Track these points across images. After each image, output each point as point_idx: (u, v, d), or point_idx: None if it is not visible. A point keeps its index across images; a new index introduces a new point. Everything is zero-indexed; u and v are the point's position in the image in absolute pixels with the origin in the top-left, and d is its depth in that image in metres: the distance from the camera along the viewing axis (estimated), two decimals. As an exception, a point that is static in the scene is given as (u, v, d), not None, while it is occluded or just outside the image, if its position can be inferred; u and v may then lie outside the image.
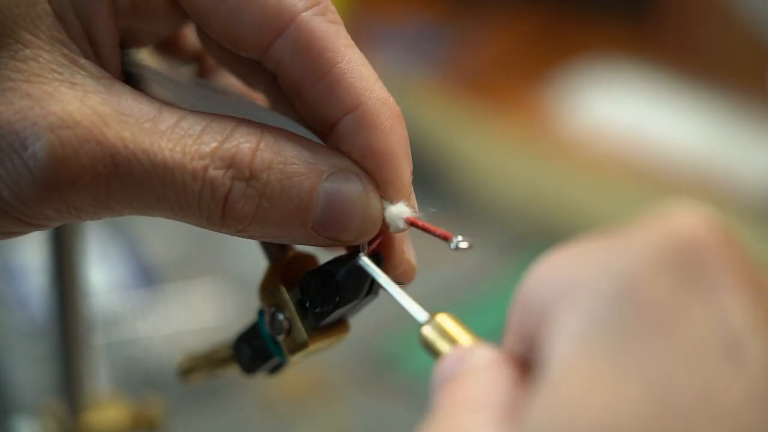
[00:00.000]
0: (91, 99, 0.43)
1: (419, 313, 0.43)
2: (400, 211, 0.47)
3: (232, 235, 0.46)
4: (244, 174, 0.44)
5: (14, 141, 0.42)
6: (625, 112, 1.89)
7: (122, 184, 0.43)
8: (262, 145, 0.44)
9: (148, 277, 1.40)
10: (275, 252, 0.50)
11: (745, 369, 0.30)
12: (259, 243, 0.51)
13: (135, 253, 1.42)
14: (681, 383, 0.30)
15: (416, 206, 0.47)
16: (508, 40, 2.10)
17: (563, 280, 0.33)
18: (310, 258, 0.51)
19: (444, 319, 0.41)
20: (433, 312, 0.42)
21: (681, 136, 1.83)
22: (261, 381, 1.27)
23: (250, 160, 0.44)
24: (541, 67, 2.03)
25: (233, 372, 0.53)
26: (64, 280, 0.77)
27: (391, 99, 0.46)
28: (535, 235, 1.62)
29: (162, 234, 1.46)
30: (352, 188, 0.45)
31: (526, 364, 0.34)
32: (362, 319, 0.52)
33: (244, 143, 0.44)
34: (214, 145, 0.44)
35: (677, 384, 0.30)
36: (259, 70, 0.49)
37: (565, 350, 0.31)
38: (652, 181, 1.73)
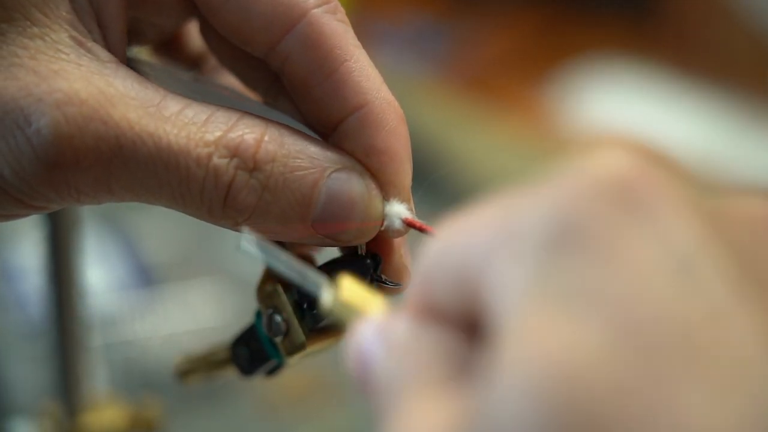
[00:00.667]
0: (98, 79, 0.43)
1: (315, 284, 0.40)
2: (399, 212, 0.47)
3: (229, 228, 0.46)
4: (249, 164, 0.44)
5: (18, 117, 0.42)
6: (627, 111, 1.89)
7: (125, 166, 0.43)
8: (266, 137, 0.45)
9: (146, 277, 1.40)
10: (273, 253, 0.50)
11: (700, 286, 0.29)
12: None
13: (133, 253, 1.42)
14: (636, 306, 0.29)
15: (414, 209, 0.47)
16: (508, 38, 2.10)
17: (489, 232, 0.31)
18: (308, 259, 0.51)
19: (349, 289, 0.38)
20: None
21: (682, 135, 1.83)
22: (259, 383, 1.27)
23: (255, 150, 0.44)
24: (541, 66, 2.03)
25: (231, 374, 0.53)
26: (61, 281, 0.77)
27: (396, 101, 0.47)
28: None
29: (160, 234, 1.46)
30: (355, 187, 0.45)
31: (456, 324, 0.33)
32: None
33: (249, 133, 0.44)
34: (218, 133, 0.44)
35: (632, 307, 0.29)
36: (261, 69, 0.49)
37: (512, 304, 0.30)
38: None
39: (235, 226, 0.45)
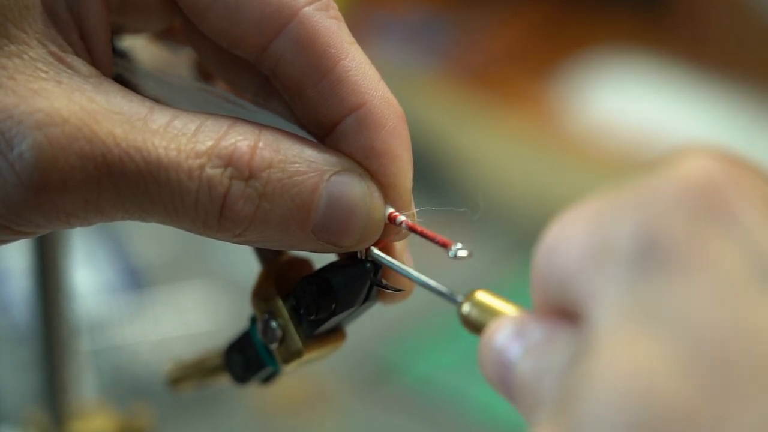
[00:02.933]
0: (79, 96, 0.43)
1: (452, 294, 0.44)
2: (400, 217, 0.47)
3: (227, 241, 0.46)
4: (244, 173, 0.44)
5: None
6: (637, 106, 1.89)
7: (114, 185, 0.43)
8: (261, 143, 0.44)
9: (136, 279, 1.40)
10: (269, 256, 0.50)
11: None
12: (252, 247, 0.51)
13: (122, 254, 1.42)
14: (712, 319, 0.31)
15: (415, 212, 0.47)
16: (514, 31, 2.10)
17: (586, 242, 0.34)
18: (305, 263, 0.51)
19: (482, 295, 0.42)
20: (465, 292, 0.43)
21: (695, 131, 1.83)
22: (254, 391, 1.27)
23: (250, 158, 0.44)
24: (548, 60, 2.03)
25: (225, 381, 0.53)
26: (47, 283, 0.77)
27: (395, 100, 0.47)
28: (541, 237, 1.62)
29: (151, 235, 1.46)
30: (356, 190, 0.45)
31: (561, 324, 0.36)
32: (360, 326, 0.52)
33: (242, 141, 0.44)
34: (210, 143, 0.44)
35: (708, 321, 0.31)
36: (251, 72, 0.49)
37: (604, 321, 0.33)
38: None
39: (233, 239, 0.45)
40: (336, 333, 0.50)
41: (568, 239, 0.35)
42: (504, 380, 0.37)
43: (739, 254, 0.32)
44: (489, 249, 1.55)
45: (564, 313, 0.36)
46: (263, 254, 0.51)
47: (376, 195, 0.46)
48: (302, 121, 0.48)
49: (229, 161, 0.44)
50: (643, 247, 0.33)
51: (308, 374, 1.31)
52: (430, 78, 1.97)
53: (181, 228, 0.45)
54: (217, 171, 0.44)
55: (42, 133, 0.42)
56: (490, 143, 1.80)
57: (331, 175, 0.45)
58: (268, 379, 0.52)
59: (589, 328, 0.33)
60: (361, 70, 0.46)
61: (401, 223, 0.46)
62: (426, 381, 1.35)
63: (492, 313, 0.41)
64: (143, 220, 0.45)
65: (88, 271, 1.38)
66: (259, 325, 0.48)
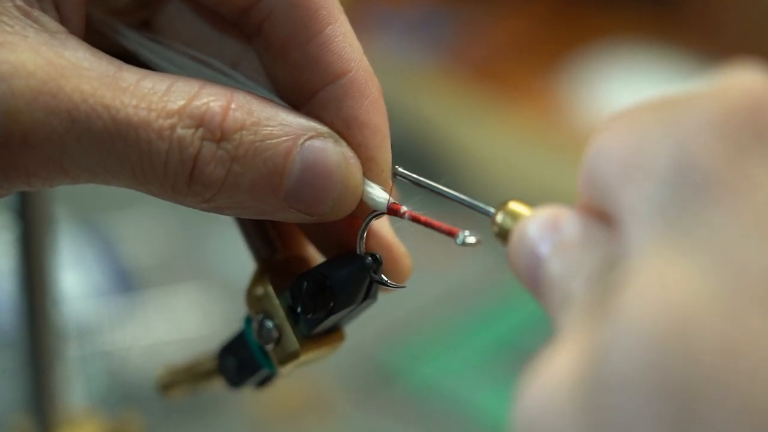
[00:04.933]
0: (46, 51, 0.43)
1: (484, 207, 0.44)
2: (381, 194, 0.47)
3: (196, 207, 0.46)
4: (216, 134, 0.44)
5: None
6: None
7: (80, 143, 0.43)
8: (233, 105, 0.44)
9: (125, 282, 1.40)
10: (264, 253, 0.50)
11: None
12: (245, 242, 0.51)
13: (111, 256, 1.42)
14: (752, 256, 0.30)
15: (393, 186, 0.47)
16: (518, 23, 2.10)
17: (624, 156, 0.34)
18: (302, 260, 0.51)
19: (515, 205, 0.41)
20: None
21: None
22: (249, 395, 1.27)
23: (222, 119, 0.44)
24: (554, 53, 2.03)
25: (218, 386, 0.53)
26: (33, 286, 0.77)
27: (374, 74, 0.47)
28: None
29: (141, 235, 1.46)
30: (331, 156, 0.45)
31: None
32: (359, 327, 0.52)
33: (214, 101, 0.44)
34: (182, 102, 0.44)
35: (748, 258, 0.30)
36: (229, 39, 0.49)
37: (637, 245, 0.32)
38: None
39: (202, 203, 0.45)
40: (334, 333, 0.50)
41: (611, 147, 0.35)
42: (533, 273, 0.37)
43: None
44: (492, 250, 1.55)
45: (604, 216, 0.35)
46: (258, 250, 0.50)
47: (352, 162, 0.46)
48: (280, 88, 0.48)
49: (200, 122, 0.44)
50: (680, 169, 0.32)
51: (305, 377, 1.31)
52: (433, 73, 1.97)
53: (148, 192, 0.45)
54: (188, 131, 0.44)
55: (6, 85, 0.42)
56: (494, 139, 1.80)
57: (305, 140, 0.45)
58: (263, 383, 0.52)
59: (625, 240, 0.33)
60: (348, 38, 0.46)
61: (404, 213, 0.46)
62: (427, 386, 1.35)
63: (524, 216, 0.40)
64: (108, 182, 0.45)
65: (76, 273, 1.37)
66: (254, 326, 0.48)
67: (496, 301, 1.47)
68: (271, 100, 0.46)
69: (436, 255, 1.35)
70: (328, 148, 0.45)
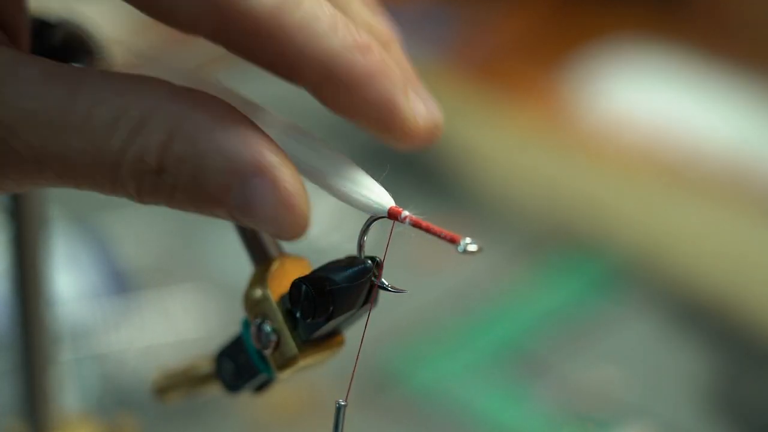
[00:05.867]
0: None
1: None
2: (381, 198, 0.47)
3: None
4: (152, 167, 0.44)
5: None
6: (652, 100, 1.89)
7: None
8: (177, 137, 0.44)
9: (121, 283, 1.40)
10: (262, 255, 0.50)
11: None
12: (243, 244, 0.51)
13: (106, 257, 1.42)
14: None
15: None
16: (521, 20, 2.10)
17: None
18: (301, 262, 0.51)
19: None
20: None
21: (715, 126, 1.83)
22: (246, 400, 1.27)
23: (160, 153, 0.44)
24: (558, 51, 2.03)
25: (215, 390, 0.53)
26: (27, 287, 0.77)
27: None
28: (551, 236, 1.62)
29: (137, 235, 1.46)
30: (270, 195, 0.44)
31: None
32: (359, 330, 0.52)
33: (155, 135, 0.44)
34: (124, 137, 0.44)
35: None
36: None
37: None
38: (682, 178, 1.73)
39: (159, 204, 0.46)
40: (333, 337, 0.50)
41: None
42: None
43: None
44: (496, 251, 1.55)
45: None
46: (256, 253, 0.51)
47: (295, 196, 0.45)
48: None
49: (141, 156, 0.44)
50: None
51: (304, 382, 1.31)
52: (434, 71, 1.97)
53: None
54: (131, 167, 0.44)
55: None
56: (497, 138, 1.80)
57: (247, 178, 0.44)
58: (261, 387, 0.52)
59: None
60: None
61: (405, 218, 0.46)
62: (428, 391, 1.35)
63: None
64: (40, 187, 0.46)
65: (70, 274, 1.37)
66: (252, 330, 0.48)
67: (497, 305, 1.47)
68: (232, 118, 0.45)
69: (436, 257, 1.35)
70: (266, 192, 0.44)
